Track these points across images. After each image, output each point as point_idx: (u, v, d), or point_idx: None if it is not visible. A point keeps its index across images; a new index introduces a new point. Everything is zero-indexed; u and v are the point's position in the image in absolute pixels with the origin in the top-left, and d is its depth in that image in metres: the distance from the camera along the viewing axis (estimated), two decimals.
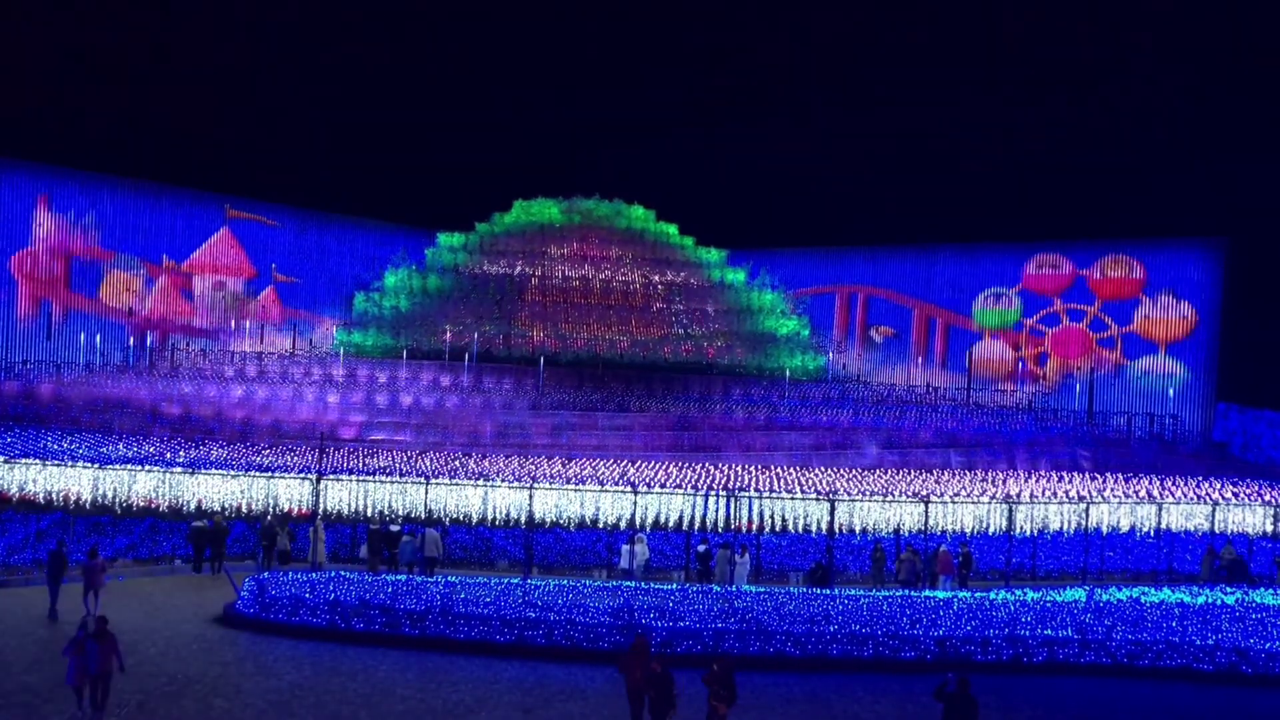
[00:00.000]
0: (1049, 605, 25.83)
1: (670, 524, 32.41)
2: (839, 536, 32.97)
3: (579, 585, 26.67)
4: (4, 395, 43.65)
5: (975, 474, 39.49)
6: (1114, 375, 66.04)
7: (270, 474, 32.06)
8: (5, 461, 31.09)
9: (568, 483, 32.61)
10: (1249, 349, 61.14)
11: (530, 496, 31.91)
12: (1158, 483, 37.27)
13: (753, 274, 62.39)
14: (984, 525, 33.21)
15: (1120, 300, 66.31)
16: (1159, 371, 65.30)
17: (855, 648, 23.93)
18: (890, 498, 32.95)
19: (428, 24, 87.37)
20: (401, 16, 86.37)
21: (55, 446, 33.41)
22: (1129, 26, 74.44)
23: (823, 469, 38.94)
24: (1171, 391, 63.37)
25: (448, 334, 54.19)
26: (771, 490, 32.79)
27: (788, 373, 54.78)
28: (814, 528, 32.43)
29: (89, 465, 31.37)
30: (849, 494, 32.98)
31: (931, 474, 38.40)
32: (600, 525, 32.82)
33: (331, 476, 32.09)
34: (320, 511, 31.80)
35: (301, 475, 32.12)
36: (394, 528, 32.63)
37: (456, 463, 35.53)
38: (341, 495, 31.97)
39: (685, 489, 32.47)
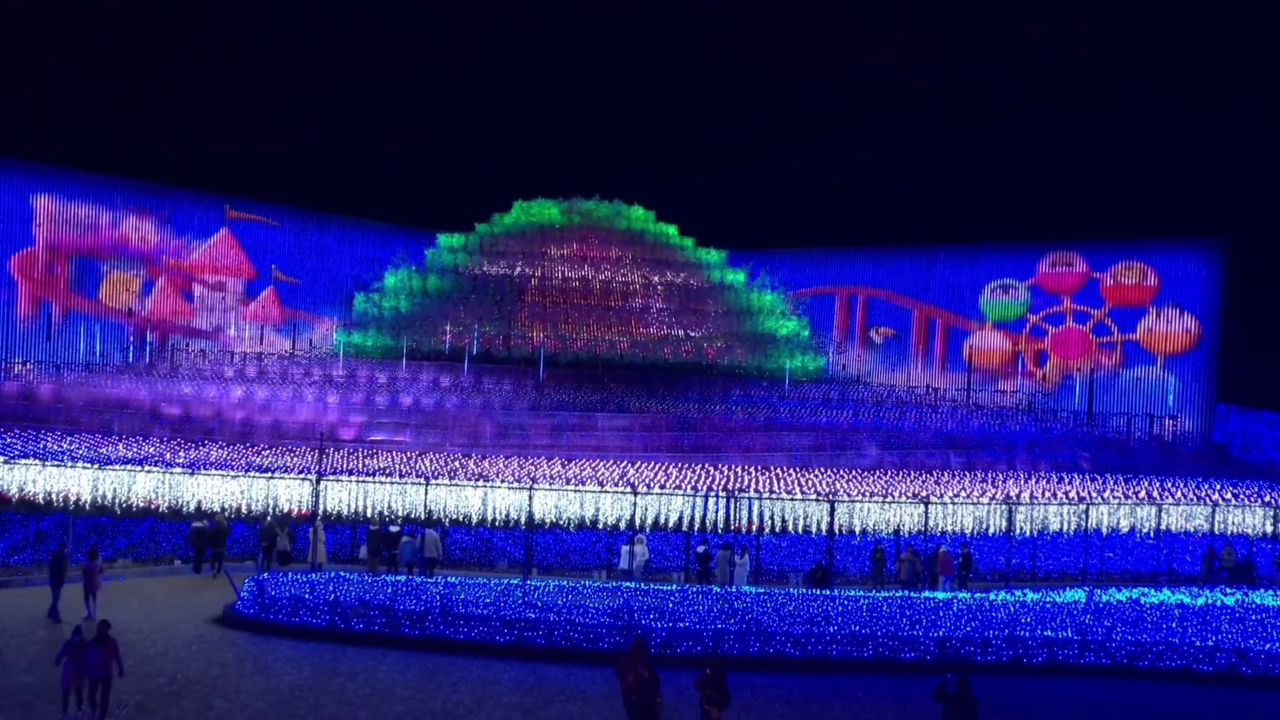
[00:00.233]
0: (1049, 606, 25.82)
1: (670, 525, 32.43)
2: (839, 537, 33.00)
3: (579, 586, 26.66)
4: (4, 396, 43.66)
5: (975, 475, 39.51)
6: (1113, 376, 66.04)
7: (270, 475, 32.08)
8: (5, 462, 31.10)
9: (567, 483, 32.63)
10: (1249, 350, 61.16)
11: (530, 497, 31.92)
12: (1157, 484, 37.29)
13: (753, 275, 62.39)
14: (984, 526, 33.24)
15: (1128, 307, 66.13)
16: (1154, 380, 65.24)
17: (855, 649, 23.93)
18: (890, 499, 32.97)
19: (427, 24, 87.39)
20: (401, 17, 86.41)
21: (55, 447, 33.43)
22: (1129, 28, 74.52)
23: (822, 470, 38.95)
24: (1171, 398, 63.37)
25: (447, 335, 54.19)
26: (771, 491, 32.81)
27: (787, 374, 54.77)
28: (814, 529, 32.46)
29: (89, 466, 31.39)
30: (849, 495, 33.01)
31: (931, 475, 38.43)
32: (600, 526, 32.84)
33: (331, 477, 32.11)
34: (320, 512, 31.81)
35: (301, 476, 32.14)
36: (394, 528, 32.62)
37: (456, 463, 35.55)
38: (341, 496, 31.99)
39: (685, 490, 32.48)
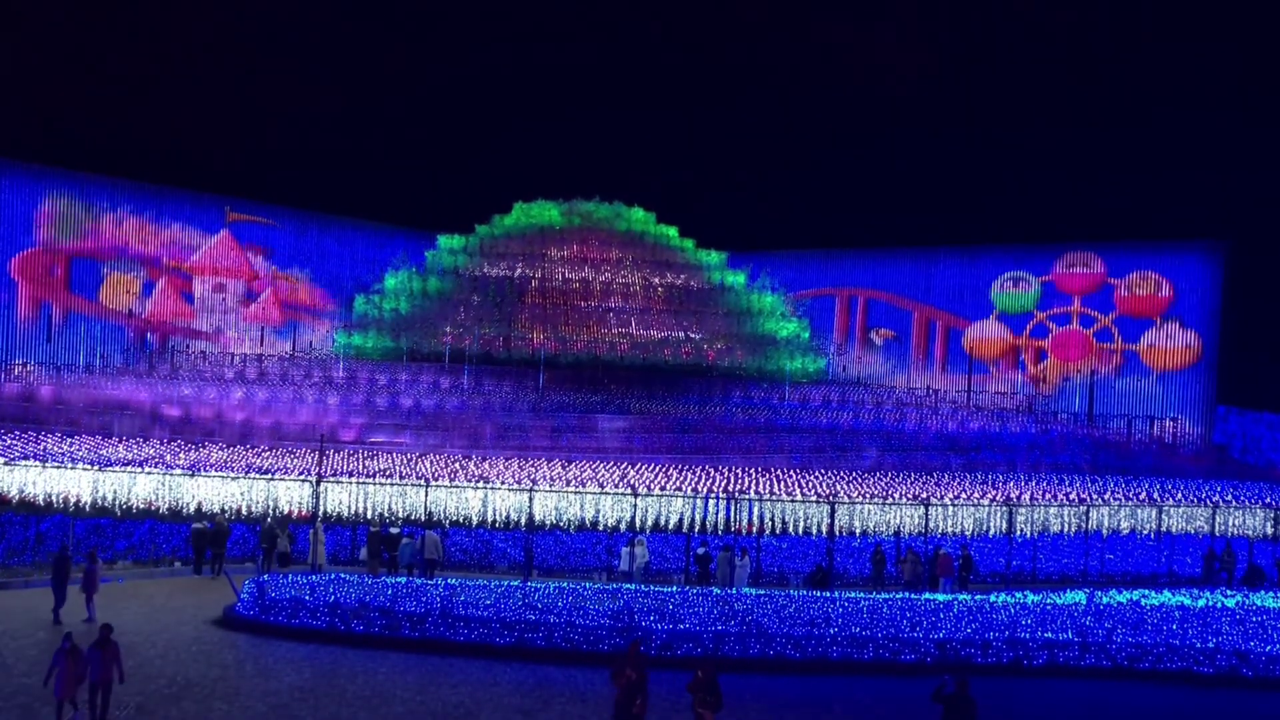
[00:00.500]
0: (1049, 608, 25.79)
1: (670, 527, 32.41)
2: (839, 539, 32.97)
3: (579, 588, 26.63)
4: (4, 397, 43.66)
5: (975, 477, 39.50)
6: (1114, 378, 66.02)
7: (270, 476, 32.07)
8: (6, 463, 31.09)
9: (568, 485, 32.60)
10: (1249, 352, 61.18)
11: (530, 499, 31.91)
12: (1158, 485, 37.28)
13: (753, 276, 62.39)
14: (984, 528, 33.23)
15: (1137, 318, 65.97)
16: (1148, 389, 65.16)
17: (855, 650, 23.92)
18: (890, 500, 32.95)
19: (428, 26, 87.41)
20: (402, 19, 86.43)
21: (55, 449, 33.42)
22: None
23: (823, 472, 38.94)
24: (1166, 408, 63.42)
25: (448, 336, 54.19)
26: (771, 493, 32.80)
27: (788, 375, 54.77)
28: (814, 530, 32.45)
29: (89, 467, 31.38)
30: (849, 497, 33.00)
31: (931, 477, 38.42)
32: (600, 528, 32.83)
33: (331, 479, 32.10)
34: (320, 514, 31.80)
35: (301, 478, 32.13)
36: (394, 530, 32.61)
37: (456, 465, 35.54)
38: (341, 498, 31.98)
39: (685, 492, 32.47)
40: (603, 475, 34.50)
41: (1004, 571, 34.49)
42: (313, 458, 33.99)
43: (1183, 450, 55.30)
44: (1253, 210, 63.11)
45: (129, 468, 31.73)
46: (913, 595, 28.33)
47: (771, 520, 32.12)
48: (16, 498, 31.09)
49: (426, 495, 31.94)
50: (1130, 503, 34.86)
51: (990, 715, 18.55)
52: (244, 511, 32.01)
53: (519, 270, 59.33)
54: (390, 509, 32.09)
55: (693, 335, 56.70)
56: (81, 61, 72.58)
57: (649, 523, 32.11)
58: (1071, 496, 35.13)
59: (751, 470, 37.55)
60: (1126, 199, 69.02)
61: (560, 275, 59.10)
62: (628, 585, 28.74)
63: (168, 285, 65.12)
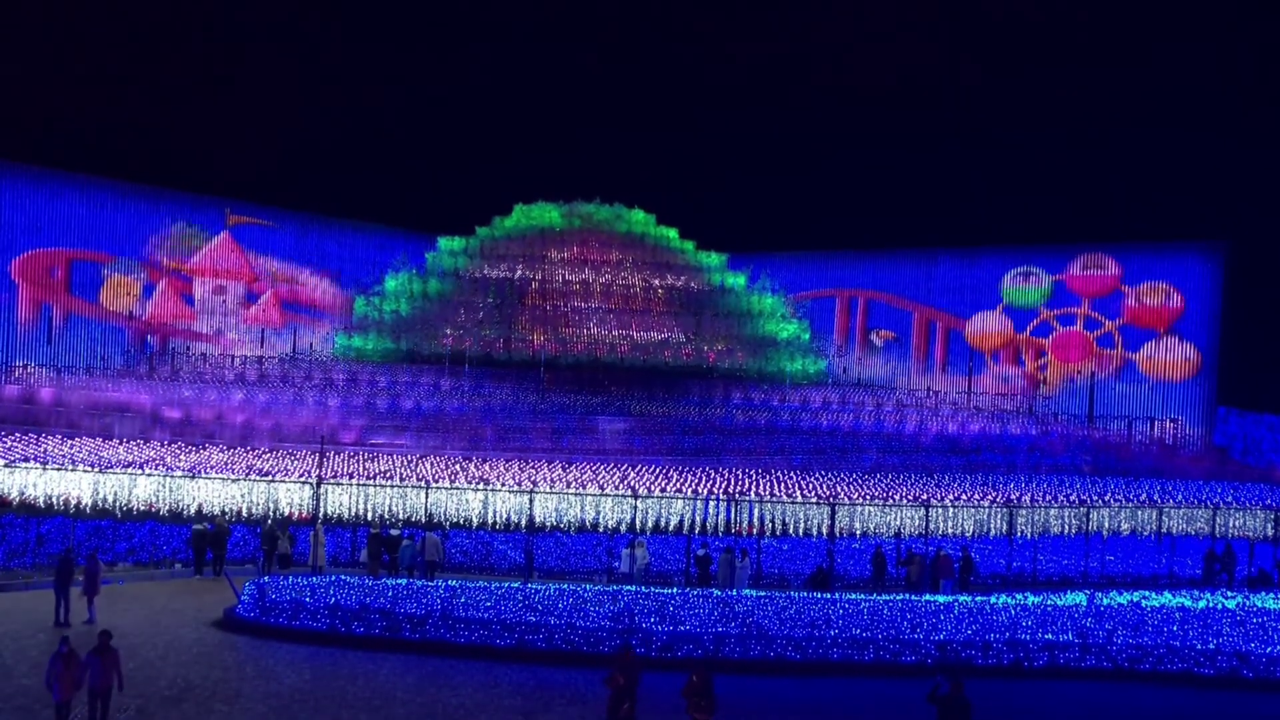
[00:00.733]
0: (1050, 609, 25.77)
1: (670, 528, 32.41)
2: (839, 541, 32.96)
3: (579, 590, 26.61)
4: (5, 399, 43.68)
5: (975, 478, 39.51)
6: (1115, 378, 66.02)
7: (271, 478, 32.09)
8: (6, 465, 31.11)
9: (568, 487, 32.61)
10: (1249, 353, 61.18)
11: (530, 501, 31.91)
12: (1158, 487, 37.27)
13: (753, 278, 62.42)
14: (984, 529, 33.22)
15: (1143, 327, 65.91)
16: (1144, 394, 65.16)
17: (856, 652, 23.92)
18: (891, 502, 32.95)
19: (428, 28, 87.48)
20: (401, 20, 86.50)
21: (56, 450, 33.44)
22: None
23: (823, 473, 38.95)
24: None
25: (448, 338, 54.20)
26: (772, 494, 32.81)
27: (788, 377, 54.77)
28: (814, 532, 32.44)
29: (90, 469, 31.39)
30: (849, 498, 33.00)
31: (932, 478, 38.43)
32: (601, 529, 32.82)
33: (332, 480, 32.10)
34: (320, 515, 31.79)
35: (302, 479, 32.15)
36: (394, 532, 32.61)
37: (457, 467, 35.55)
38: (342, 499, 32.00)
39: (685, 493, 32.48)
40: (603, 477, 34.52)
41: (1004, 573, 34.46)
42: (313, 459, 34.01)
43: (1183, 452, 55.31)
44: (1253, 210, 63.13)
45: (129, 469, 31.76)
46: (913, 597, 28.36)
47: (772, 522, 32.13)
48: (17, 499, 31.11)
49: (427, 497, 31.95)
50: (1130, 504, 34.85)
51: (990, 717, 18.55)
52: (244, 513, 32.02)
53: (519, 272, 59.37)
54: (390, 511, 32.09)
55: (693, 337, 56.74)
56: (83, 63, 72.65)
57: (649, 524, 32.11)
58: (1072, 498, 35.13)
59: (752, 472, 37.56)
60: (1127, 199, 69.04)
61: (561, 277, 59.13)
62: (628, 587, 28.71)
63: (168, 287, 65.17)
